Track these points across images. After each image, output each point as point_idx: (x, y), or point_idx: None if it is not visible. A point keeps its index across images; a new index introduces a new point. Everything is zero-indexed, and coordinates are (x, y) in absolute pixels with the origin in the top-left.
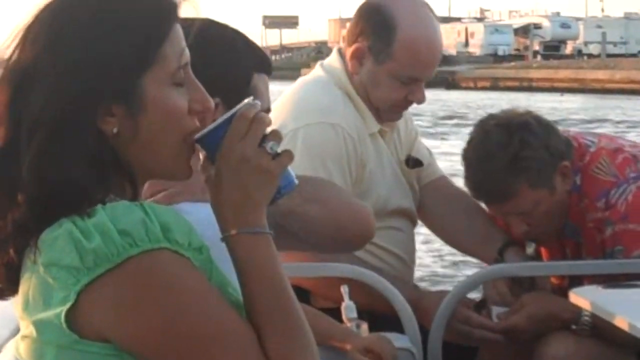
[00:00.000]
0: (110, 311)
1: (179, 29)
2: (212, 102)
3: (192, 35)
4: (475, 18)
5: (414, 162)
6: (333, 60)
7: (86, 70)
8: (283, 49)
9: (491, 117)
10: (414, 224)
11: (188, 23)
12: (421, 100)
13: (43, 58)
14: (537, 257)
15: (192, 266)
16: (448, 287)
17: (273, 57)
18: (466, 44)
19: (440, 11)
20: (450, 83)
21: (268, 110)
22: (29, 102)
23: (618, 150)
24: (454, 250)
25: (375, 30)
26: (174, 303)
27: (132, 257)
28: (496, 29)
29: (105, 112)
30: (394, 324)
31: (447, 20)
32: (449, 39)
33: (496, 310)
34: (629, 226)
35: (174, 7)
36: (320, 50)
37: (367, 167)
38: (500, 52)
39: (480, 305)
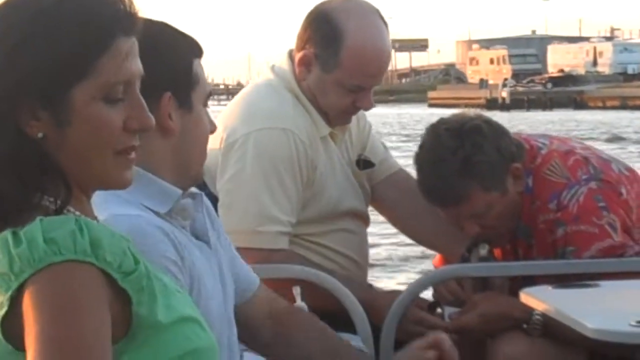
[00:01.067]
0: (29, 318)
1: (126, 44)
2: (152, 121)
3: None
4: (605, 37)
5: (364, 164)
6: (283, 63)
7: (10, 71)
8: (412, 71)
9: (442, 121)
10: (366, 225)
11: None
12: (368, 107)
13: None
14: (491, 258)
15: (106, 290)
16: None
17: (402, 80)
18: (594, 63)
19: (571, 31)
20: (578, 103)
21: (210, 94)
22: None
23: (570, 152)
24: None
25: (322, 38)
26: (71, 321)
27: (53, 264)
28: (625, 48)
29: (31, 115)
30: (346, 324)
31: (574, 40)
32: (577, 59)
33: (449, 310)
34: (580, 227)
35: (123, 20)
36: (447, 73)
37: (318, 170)
38: (629, 71)
39: (434, 306)
